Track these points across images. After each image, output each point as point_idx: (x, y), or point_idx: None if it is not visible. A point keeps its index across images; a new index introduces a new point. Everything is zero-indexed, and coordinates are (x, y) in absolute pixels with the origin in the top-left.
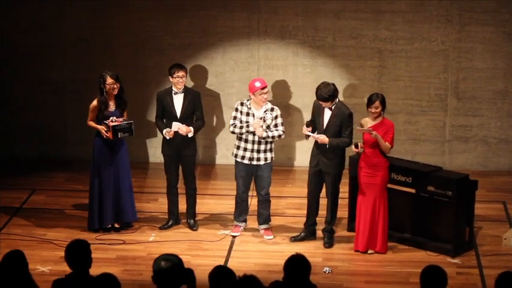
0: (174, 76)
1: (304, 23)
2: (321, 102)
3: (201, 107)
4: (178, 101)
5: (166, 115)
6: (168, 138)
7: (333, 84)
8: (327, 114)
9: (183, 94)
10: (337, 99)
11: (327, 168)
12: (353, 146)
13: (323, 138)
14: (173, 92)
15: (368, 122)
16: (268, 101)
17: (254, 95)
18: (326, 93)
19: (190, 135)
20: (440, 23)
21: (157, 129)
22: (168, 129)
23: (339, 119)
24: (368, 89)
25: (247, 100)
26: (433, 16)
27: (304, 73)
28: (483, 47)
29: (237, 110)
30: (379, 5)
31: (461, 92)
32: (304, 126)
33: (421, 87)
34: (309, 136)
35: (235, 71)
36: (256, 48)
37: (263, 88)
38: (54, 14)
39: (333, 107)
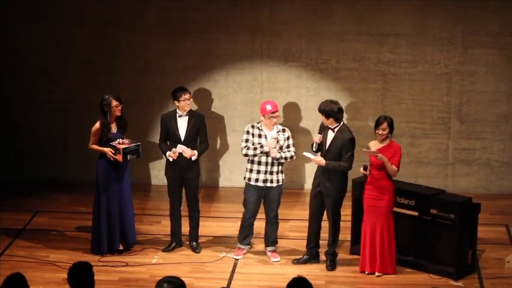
0: (181, 99)
1: (307, 46)
2: (321, 117)
3: (205, 130)
4: (182, 124)
5: (170, 137)
6: (171, 160)
7: (338, 107)
8: (330, 136)
9: (187, 117)
10: (342, 122)
11: (327, 190)
12: (361, 168)
13: (319, 160)
14: (178, 114)
15: (375, 145)
16: (261, 122)
17: (264, 117)
18: (326, 106)
19: (194, 158)
20: (444, 46)
21: (161, 152)
22: (170, 152)
23: (340, 141)
24: (371, 112)
25: (258, 122)
26: (436, 39)
27: (308, 96)
28: (486, 70)
29: (248, 132)
30: (382, 28)
31: (464, 115)
32: (317, 134)
33: (424, 110)
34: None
35: (239, 93)
36: (259, 71)
37: (273, 112)
38: (59, 34)
39: (335, 129)
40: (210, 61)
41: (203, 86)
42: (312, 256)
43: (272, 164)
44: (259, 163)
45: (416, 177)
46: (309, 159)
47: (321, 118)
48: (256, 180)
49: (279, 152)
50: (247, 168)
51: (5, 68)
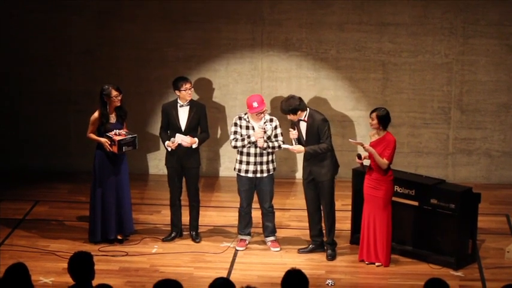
0: (182, 89)
1: (307, 36)
2: (290, 117)
3: (206, 120)
4: (183, 114)
5: (170, 127)
6: (169, 150)
7: (299, 98)
8: (303, 126)
9: (188, 107)
10: (308, 109)
11: (319, 176)
12: (356, 158)
13: (298, 148)
14: (179, 104)
15: (372, 136)
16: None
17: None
18: (287, 107)
19: (194, 146)
20: (444, 36)
21: (161, 141)
22: (169, 142)
23: (314, 127)
24: (371, 102)
25: (245, 114)
26: (436, 29)
27: (308, 85)
28: (487, 59)
29: (236, 124)
30: (382, 18)
31: (464, 105)
32: (291, 130)
33: (424, 99)
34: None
35: (239, 83)
36: (259, 61)
37: (259, 110)
38: (60, 24)
39: (306, 118)
40: (211, 51)
41: (203, 75)
42: (317, 245)
43: (261, 155)
44: (248, 154)
45: (416, 167)
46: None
47: (289, 118)
48: (246, 171)
49: (266, 142)
50: (236, 159)
51: (5, 58)
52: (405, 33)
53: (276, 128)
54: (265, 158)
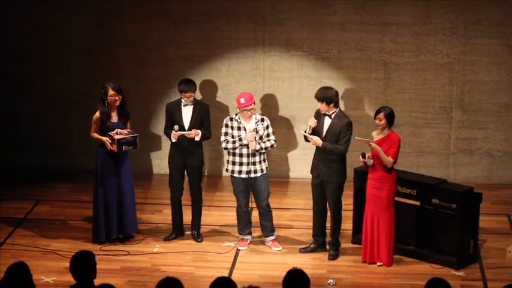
0: (182, 96)
1: (309, 35)
2: (318, 104)
3: (209, 120)
4: (187, 113)
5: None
6: (174, 140)
7: (336, 91)
8: (327, 122)
9: (192, 106)
10: (338, 108)
11: (327, 178)
12: (360, 156)
13: (316, 140)
14: (182, 104)
15: (376, 136)
16: (257, 112)
17: (239, 110)
18: (323, 93)
19: (197, 138)
20: (446, 36)
21: (166, 137)
22: (173, 130)
23: (338, 127)
24: (373, 101)
25: (236, 114)
26: (438, 29)
27: (309, 85)
28: (488, 59)
29: (227, 126)
30: (384, 17)
31: (466, 105)
32: (312, 118)
33: (426, 99)
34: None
35: (241, 82)
36: (261, 60)
37: (246, 106)
38: (60, 24)
39: (332, 115)
40: (212, 50)
41: (205, 75)
42: (318, 245)
43: (254, 155)
44: (241, 155)
45: (418, 167)
46: (305, 146)
47: (320, 106)
48: (240, 172)
49: (259, 143)
50: (228, 161)
51: (5, 58)
52: (407, 33)
53: (267, 127)
54: (257, 158)
